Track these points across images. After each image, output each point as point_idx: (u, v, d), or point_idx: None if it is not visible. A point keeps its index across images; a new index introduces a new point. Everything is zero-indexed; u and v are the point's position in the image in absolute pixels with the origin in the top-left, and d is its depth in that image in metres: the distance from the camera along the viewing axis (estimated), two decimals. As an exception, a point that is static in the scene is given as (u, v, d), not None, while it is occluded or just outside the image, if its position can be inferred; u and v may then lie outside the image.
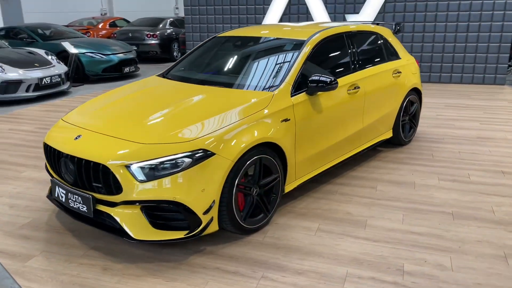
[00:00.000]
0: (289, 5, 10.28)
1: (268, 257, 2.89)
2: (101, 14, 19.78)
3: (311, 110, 3.59)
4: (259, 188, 3.17)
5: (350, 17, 9.81)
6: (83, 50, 9.96)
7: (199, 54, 4.44)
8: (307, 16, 10.17)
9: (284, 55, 3.83)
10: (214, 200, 2.83)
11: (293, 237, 3.14)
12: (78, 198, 2.93)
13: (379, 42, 4.81)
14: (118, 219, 2.78)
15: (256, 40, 4.25)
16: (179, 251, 2.96)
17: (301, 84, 3.56)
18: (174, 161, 2.73)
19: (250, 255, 2.92)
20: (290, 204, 3.67)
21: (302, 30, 4.23)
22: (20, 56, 8.49)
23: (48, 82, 8.23)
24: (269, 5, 10.37)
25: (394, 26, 5.20)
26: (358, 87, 4.13)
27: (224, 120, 3.02)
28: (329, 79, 3.52)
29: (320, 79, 3.51)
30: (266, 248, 3.00)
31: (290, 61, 3.68)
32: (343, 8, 9.91)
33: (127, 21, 16.92)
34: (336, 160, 4.05)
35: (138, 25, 14.85)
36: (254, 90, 3.51)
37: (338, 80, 3.91)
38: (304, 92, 3.55)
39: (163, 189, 2.72)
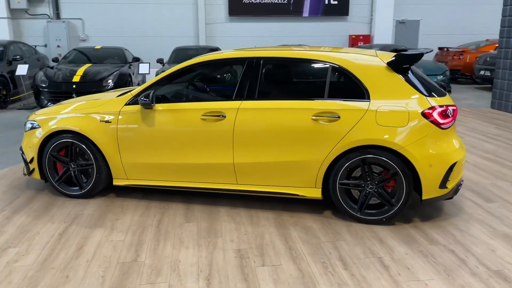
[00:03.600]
0: None
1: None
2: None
3: (140, 122, 3.97)
4: (77, 167, 4.22)
5: None
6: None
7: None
8: None
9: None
10: (33, 157, 4.30)
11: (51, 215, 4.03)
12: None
13: (324, 75, 3.67)
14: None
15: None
16: (34, 185, 4.62)
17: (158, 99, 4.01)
18: (28, 124, 4.44)
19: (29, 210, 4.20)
20: (135, 204, 4.25)
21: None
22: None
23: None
24: None
25: (397, 56, 3.52)
26: (224, 116, 3.77)
27: (69, 108, 4.28)
28: (148, 96, 3.82)
29: (143, 95, 3.87)
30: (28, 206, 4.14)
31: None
32: None
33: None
34: (187, 183, 3.99)
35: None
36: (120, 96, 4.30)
37: (193, 103, 3.89)
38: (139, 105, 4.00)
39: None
